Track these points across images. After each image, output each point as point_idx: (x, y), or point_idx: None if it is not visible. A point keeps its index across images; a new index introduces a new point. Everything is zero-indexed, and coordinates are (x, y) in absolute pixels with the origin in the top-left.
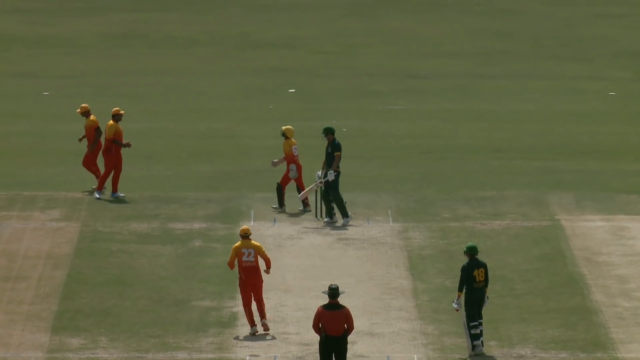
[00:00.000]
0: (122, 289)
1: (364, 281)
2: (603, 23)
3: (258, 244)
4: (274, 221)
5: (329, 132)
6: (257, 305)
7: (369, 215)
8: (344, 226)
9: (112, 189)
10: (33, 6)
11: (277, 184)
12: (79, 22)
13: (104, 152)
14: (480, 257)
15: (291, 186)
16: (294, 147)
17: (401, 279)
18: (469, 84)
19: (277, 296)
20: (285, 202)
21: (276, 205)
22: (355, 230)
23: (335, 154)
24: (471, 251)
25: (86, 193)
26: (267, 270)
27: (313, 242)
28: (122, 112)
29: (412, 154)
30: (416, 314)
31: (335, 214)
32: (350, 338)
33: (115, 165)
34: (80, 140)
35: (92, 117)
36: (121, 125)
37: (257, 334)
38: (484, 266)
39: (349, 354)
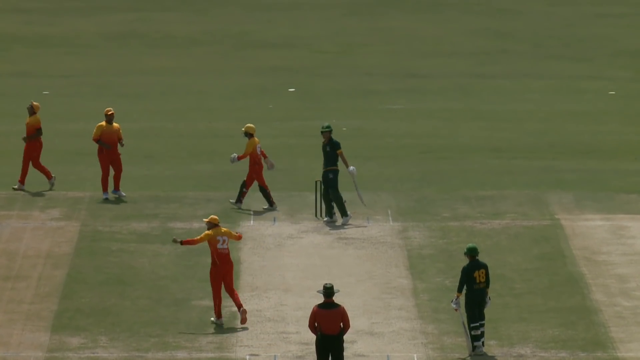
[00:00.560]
0: (122, 288)
1: (363, 280)
2: (603, 23)
3: (226, 229)
4: (274, 220)
5: (327, 130)
6: (231, 296)
7: (368, 214)
8: (343, 225)
9: (114, 186)
10: (33, 6)
11: (259, 186)
12: (79, 22)
13: (97, 154)
14: (480, 256)
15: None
16: (258, 145)
17: (401, 278)
18: (469, 83)
19: (277, 295)
20: (243, 199)
21: (267, 206)
22: (355, 229)
23: (338, 151)
24: (472, 252)
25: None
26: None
27: (313, 242)
28: (110, 112)
29: (411, 154)
30: (416, 313)
31: (335, 213)
32: (350, 337)
33: (107, 165)
34: (23, 139)
35: (37, 116)
36: (121, 125)
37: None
38: (485, 267)
39: (348, 353)
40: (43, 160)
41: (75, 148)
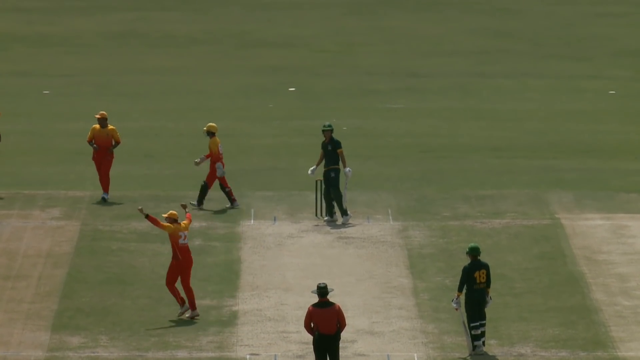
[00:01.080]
0: (122, 287)
1: (364, 280)
2: (603, 22)
3: (185, 223)
4: (274, 220)
5: (328, 129)
6: (187, 295)
7: (369, 213)
8: (343, 224)
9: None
10: (33, 5)
11: (220, 185)
12: (79, 21)
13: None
14: (481, 255)
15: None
16: (220, 145)
17: (401, 277)
18: (469, 82)
19: (277, 295)
20: (205, 200)
21: (194, 202)
22: (355, 229)
23: (338, 150)
24: (473, 252)
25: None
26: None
27: (313, 241)
28: (98, 115)
29: (412, 153)
30: (416, 312)
31: (335, 212)
32: (350, 337)
33: (99, 167)
34: None
35: None
36: (121, 124)
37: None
38: (486, 267)
39: (348, 352)
40: (45, 159)
41: (75, 147)
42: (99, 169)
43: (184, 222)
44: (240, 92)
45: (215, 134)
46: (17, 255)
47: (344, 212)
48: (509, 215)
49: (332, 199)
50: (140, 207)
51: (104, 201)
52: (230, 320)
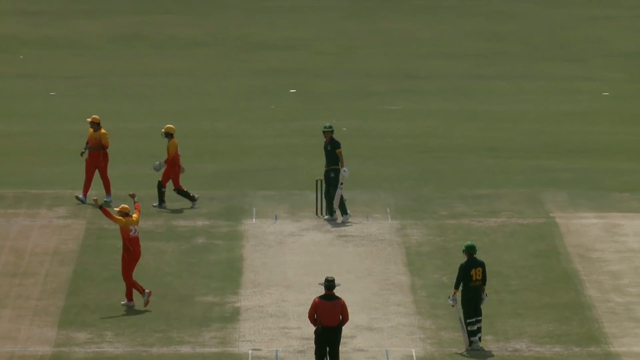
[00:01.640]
0: None
1: (363, 277)
2: (596, 25)
3: (136, 217)
4: (276, 218)
5: (329, 130)
6: (128, 284)
7: (368, 212)
8: (343, 223)
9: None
10: (39, 8)
11: (175, 188)
12: (85, 24)
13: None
14: (477, 253)
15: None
16: (177, 147)
17: (399, 275)
18: (466, 84)
19: (278, 292)
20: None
21: (191, 204)
22: (355, 227)
23: (337, 151)
24: (470, 250)
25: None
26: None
27: (313, 239)
28: (89, 119)
29: (410, 153)
30: (414, 309)
31: (335, 211)
32: (349, 332)
33: (94, 170)
34: None
35: None
36: (126, 125)
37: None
38: (482, 265)
39: (348, 348)
40: (52, 160)
41: (81, 148)
42: (89, 172)
43: (134, 216)
44: (242, 93)
45: (174, 136)
46: (25, 253)
47: (344, 212)
48: (505, 214)
49: (332, 199)
50: (95, 198)
51: (106, 204)
52: (232, 317)
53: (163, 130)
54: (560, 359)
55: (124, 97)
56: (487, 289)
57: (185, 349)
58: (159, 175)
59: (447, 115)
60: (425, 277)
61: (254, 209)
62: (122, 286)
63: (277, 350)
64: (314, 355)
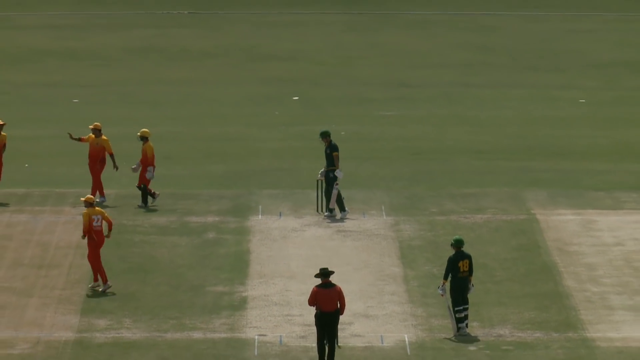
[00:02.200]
0: (143, 275)
1: (360, 269)
2: (574, 38)
3: (101, 209)
4: (280, 215)
5: (326, 135)
6: (95, 269)
7: (364, 210)
8: (342, 219)
9: (96, 193)
10: (64, 22)
11: (143, 185)
12: (105, 37)
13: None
14: (464, 247)
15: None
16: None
17: (393, 266)
18: (454, 92)
19: (282, 282)
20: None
21: (152, 200)
22: (352, 223)
23: (334, 154)
24: (458, 244)
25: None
26: (109, 234)
27: (315, 234)
28: (91, 126)
29: (403, 155)
30: (407, 298)
31: (333, 208)
32: (347, 319)
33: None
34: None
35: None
36: (139, 130)
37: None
38: (469, 257)
39: (346, 333)
40: (74, 161)
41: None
42: (96, 174)
43: (98, 208)
44: (249, 100)
45: (149, 139)
46: (50, 247)
47: (342, 209)
48: (490, 211)
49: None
50: (82, 236)
51: (99, 204)
52: (240, 305)
53: (139, 134)
54: (540, 343)
55: (140, 104)
56: (474, 279)
57: (197, 335)
58: (136, 177)
59: (438, 120)
60: (417, 269)
61: (260, 207)
62: (140, 277)
63: (281, 336)
64: (315, 339)
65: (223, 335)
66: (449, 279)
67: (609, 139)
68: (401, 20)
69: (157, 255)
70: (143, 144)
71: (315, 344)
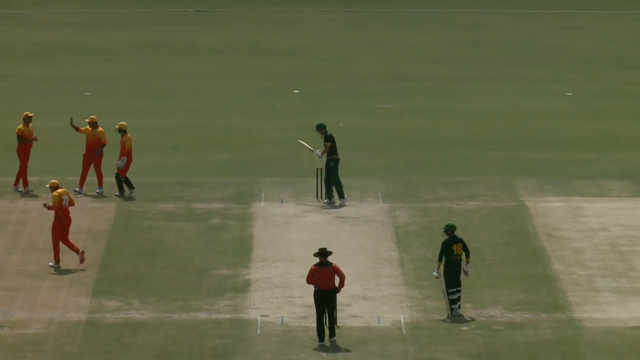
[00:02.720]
0: (151, 259)
1: (357, 253)
2: (562, 34)
3: (65, 190)
4: (282, 202)
5: (321, 128)
6: (68, 245)
7: (362, 197)
8: (341, 206)
9: (98, 184)
10: (76, 20)
11: (116, 174)
12: (115, 34)
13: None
14: (457, 233)
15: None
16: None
17: (389, 251)
18: (448, 85)
19: (284, 266)
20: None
21: (118, 193)
22: (350, 209)
23: (327, 144)
24: (451, 229)
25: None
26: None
27: (314, 220)
28: (87, 120)
29: (399, 145)
30: (402, 280)
31: (333, 195)
32: (345, 301)
33: (87, 165)
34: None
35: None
36: (150, 121)
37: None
38: (462, 241)
39: (344, 314)
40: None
41: (111, 141)
42: (85, 167)
43: (63, 189)
44: (252, 93)
45: (127, 132)
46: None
47: (341, 196)
48: (481, 198)
49: (331, 184)
50: (44, 204)
51: (99, 195)
52: (243, 287)
53: (117, 127)
54: (529, 324)
55: (148, 97)
56: (470, 263)
57: (202, 315)
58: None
59: (432, 113)
60: (412, 253)
61: (263, 194)
62: (148, 260)
63: (282, 317)
64: (315, 316)
65: (227, 316)
66: (443, 261)
67: (595, 130)
68: (397, 18)
69: (165, 240)
70: (122, 137)
71: (314, 324)
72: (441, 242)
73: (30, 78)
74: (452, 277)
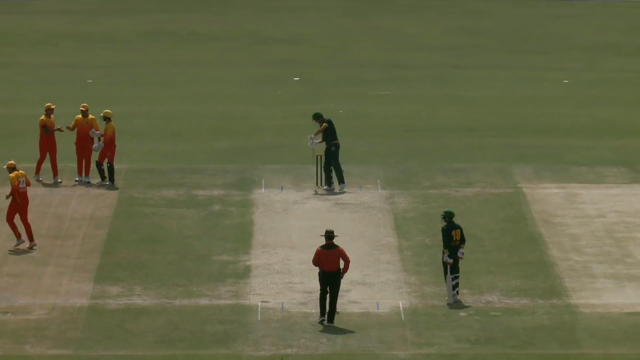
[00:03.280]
0: (153, 245)
1: (357, 239)
2: (559, 22)
3: (23, 172)
4: (282, 188)
5: (318, 117)
6: (26, 229)
7: (361, 183)
8: (340, 192)
9: (85, 173)
10: (77, 8)
11: (102, 162)
12: (117, 21)
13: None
14: (455, 219)
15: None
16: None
17: (388, 237)
18: (446, 73)
19: (284, 252)
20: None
21: (107, 182)
22: (350, 196)
23: (323, 124)
24: (449, 215)
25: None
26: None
27: (314, 206)
28: (81, 107)
29: (397, 132)
30: (401, 266)
31: (333, 182)
32: (345, 287)
33: (81, 153)
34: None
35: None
36: (152, 108)
37: (20, 247)
38: (460, 228)
39: (344, 300)
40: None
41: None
42: (80, 155)
43: (21, 172)
44: (252, 81)
45: (111, 119)
46: (65, 219)
47: (341, 181)
48: (479, 185)
49: (331, 171)
50: (6, 196)
51: (87, 184)
52: (244, 273)
53: (102, 114)
54: (526, 309)
55: (150, 84)
56: (464, 248)
57: (203, 301)
58: (95, 156)
59: (430, 100)
60: (410, 239)
61: (263, 180)
62: (150, 247)
63: (282, 302)
64: (318, 301)
65: (228, 301)
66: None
67: (591, 117)
68: (395, 6)
69: (166, 226)
70: (106, 124)
71: (314, 310)
72: (441, 229)
73: (33, 65)
74: (451, 263)
